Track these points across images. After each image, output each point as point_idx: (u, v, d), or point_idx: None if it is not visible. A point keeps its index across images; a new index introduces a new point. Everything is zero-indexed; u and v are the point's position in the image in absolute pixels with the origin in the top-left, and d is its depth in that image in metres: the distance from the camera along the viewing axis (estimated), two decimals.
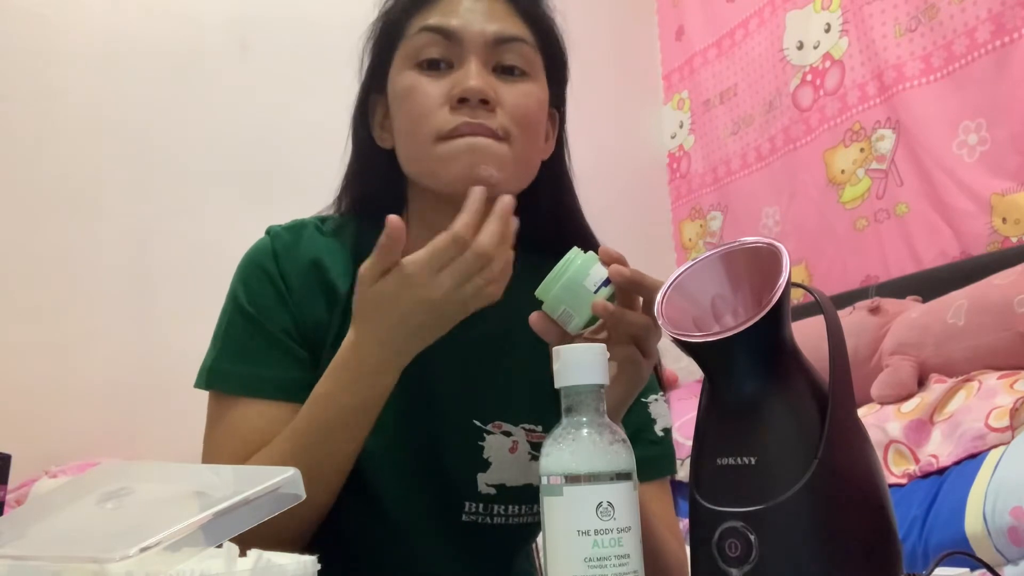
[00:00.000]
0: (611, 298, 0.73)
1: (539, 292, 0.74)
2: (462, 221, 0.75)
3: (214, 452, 0.86)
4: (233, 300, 0.89)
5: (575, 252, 0.75)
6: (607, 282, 0.73)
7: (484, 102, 0.83)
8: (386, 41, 0.90)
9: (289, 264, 0.89)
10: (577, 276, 0.73)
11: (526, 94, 0.87)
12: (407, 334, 0.76)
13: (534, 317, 0.75)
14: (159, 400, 2.43)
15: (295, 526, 0.81)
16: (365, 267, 0.76)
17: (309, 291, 0.89)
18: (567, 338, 0.75)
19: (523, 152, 0.86)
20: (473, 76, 0.83)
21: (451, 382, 0.89)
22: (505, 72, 0.86)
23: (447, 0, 0.87)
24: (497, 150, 0.83)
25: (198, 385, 0.88)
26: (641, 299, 0.74)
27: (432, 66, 0.85)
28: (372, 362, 0.77)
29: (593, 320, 0.74)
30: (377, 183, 0.93)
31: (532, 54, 0.88)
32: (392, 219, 0.73)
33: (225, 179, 2.67)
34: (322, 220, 0.95)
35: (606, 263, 0.73)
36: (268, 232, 0.92)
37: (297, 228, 0.92)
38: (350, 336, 0.79)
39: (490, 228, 0.75)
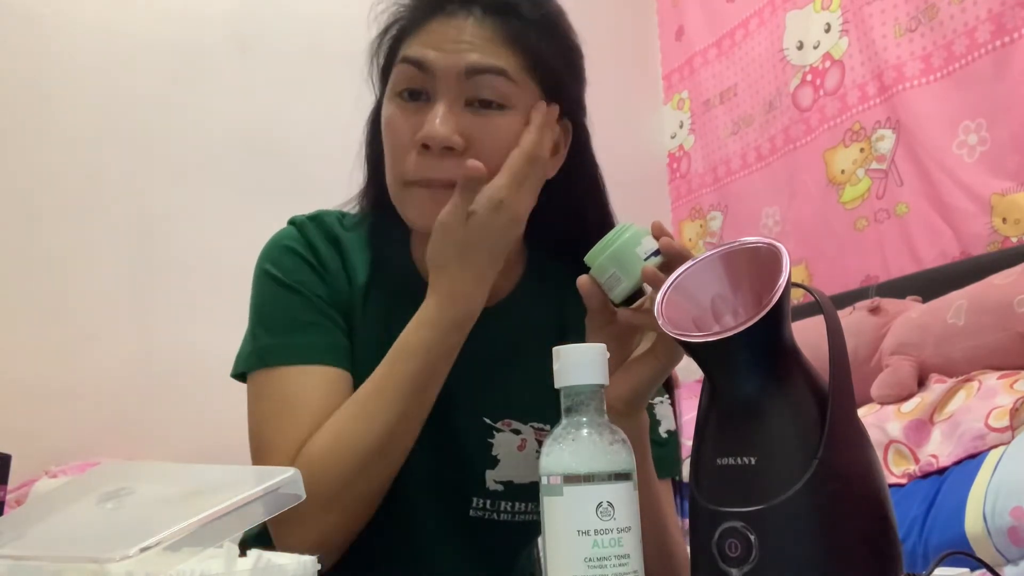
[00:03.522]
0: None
1: (588, 257, 0.77)
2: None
3: (276, 427, 0.84)
4: (268, 281, 0.90)
5: (627, 224, 0.78)
6: (656, 253, 0.75)
7: (449, 148, 0.82)
8: (385, 58, 0.90)
9: (315, 245, 0.92)
10: (630, 243, 0.76)
11: (498, 129, 0.84)
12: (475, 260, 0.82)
13: (582, 279, 0.77)
14: (159, 400, 2.43)
15: (380, 486, 0.83)
16: (446, 212, 0.82)
17: (334, 274, 0.91)
18: (607, 306, 0.77)
19: None
20: (438, 121, 0.82)
21: (463, 379, 0.90)
22: (483, 106, 0.84)
23: (434, 26, 0.85)
24: None
25: (248, 368, 0.88)
26: None
27: (413, 96, 0.85)
28: (461, 307, 0.82)
29: (637, 294, 0.77)
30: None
31: (508, 85, 0.84)
32: (471, 163, 0.80)
33: (225, 179, 2.67)
34: (342, 214, 0.97)
35: (657, 237, 0.76)
36: (291, 221, 0.95)
37: (319, 217, 0.95)
38: (431, 293, 0.83)
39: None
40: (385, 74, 0.90)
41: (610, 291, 0.77)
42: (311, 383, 0.85)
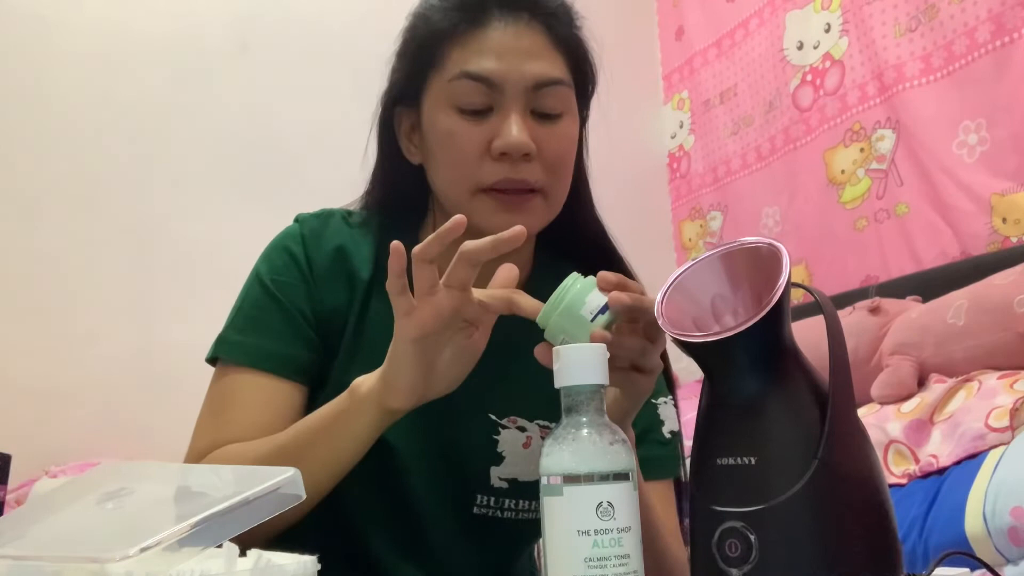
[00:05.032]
0: (610, 324, 0.71)
1: (539, 319, 0.72)
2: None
3: (203, 424, 0.87)
4: (254, 276, 0.92)
5: (572, 279, 0.72)
6: (604, 308, 0.70)
7: (525, 155, 0.84)
8: (418, 62, 0.89)
9: (314, 248, 0.92)
10: (574, 305, 0.71)
11: (563, 137, 0.88)
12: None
13: (539, 350, 0.73)
14: (159, 400, 2.43)
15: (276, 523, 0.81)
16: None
17: (331, 276, 0.91)
18: None
19: (557, 197, 0.89)
20: (515, 131, 0.83)
21: (470, 376, 0.90)
22: (546, 116, 0.87)
23: (484, 32, 0.86)
24: (533, 206, 0.86)
25: (210, 354, 0.90)
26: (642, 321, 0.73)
27: (477, 112, 0.86)
28: (375, 400, 0.77)
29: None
30: (402, 190, 0.95)
31: (568, 92, 0.89)
32: (395, 245, 0.72)
33: (225, 179, 2.67)
34: (349, 213, 0.97)
35: (605, 289, 0.71)
36: (297, 219, 0.95)
37: (324, 216, 0.95)
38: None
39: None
40: (415, 72, 0.89)
41: None
42: (249, 391, 0.86)
